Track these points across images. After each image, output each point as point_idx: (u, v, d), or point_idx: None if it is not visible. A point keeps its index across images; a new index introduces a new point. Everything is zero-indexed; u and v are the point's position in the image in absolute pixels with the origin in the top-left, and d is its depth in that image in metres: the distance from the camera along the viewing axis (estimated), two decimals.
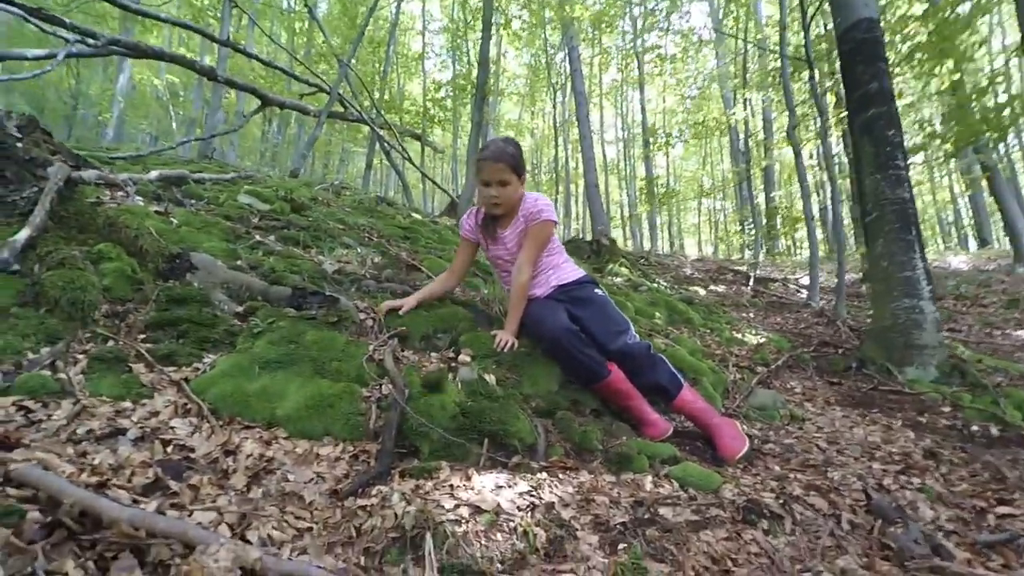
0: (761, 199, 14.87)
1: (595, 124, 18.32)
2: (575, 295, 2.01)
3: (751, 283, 7.38)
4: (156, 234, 2.03)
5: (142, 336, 1.60)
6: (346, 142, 19.79)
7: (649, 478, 1.44)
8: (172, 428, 1.16)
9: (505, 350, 1.85)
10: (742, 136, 13.13)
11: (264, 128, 19.16)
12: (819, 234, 17.35)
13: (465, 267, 2.23)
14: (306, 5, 10.83)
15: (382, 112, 8.87)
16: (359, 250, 2.84)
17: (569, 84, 15.23)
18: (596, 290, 2.07)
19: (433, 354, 1.91)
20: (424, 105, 11.31)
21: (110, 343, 1.49)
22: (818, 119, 5.60)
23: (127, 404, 1.23)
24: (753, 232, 13.54)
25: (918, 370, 2.76)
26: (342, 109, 8.15)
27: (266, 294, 1.93)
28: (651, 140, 12.42)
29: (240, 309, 1.83)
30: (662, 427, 1.79)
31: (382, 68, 9.79)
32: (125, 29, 10.75)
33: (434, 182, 7.79)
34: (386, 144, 8.11)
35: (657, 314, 3.68)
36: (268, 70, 11.06)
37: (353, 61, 9.23)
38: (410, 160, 7.68)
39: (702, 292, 6.55)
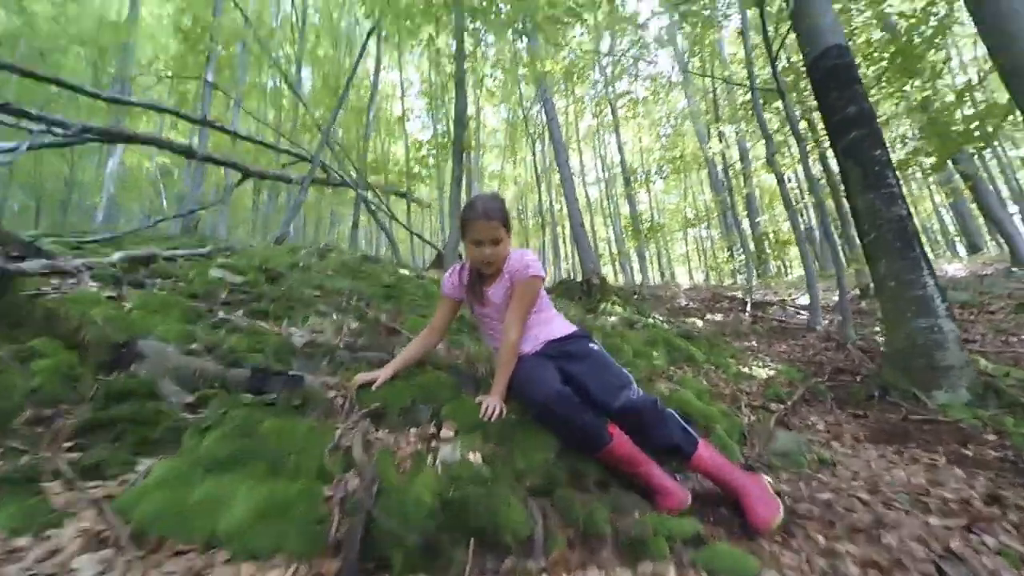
0: (746, 224, 14.99)
1: (575, 167, 18.72)
2: (567, 350, 1.82)
3: (748, 309, 7.21)
4: (102, 323, 1.84)
5: (68, 444, 1.38)
6: (335, 205, 20.04)
7: (672, 569, 1.20)
8: (72, 572, 0.93)
9: (492, 419, 1.64)
10: (720, 167, 13.37)
11: (254, 198, 19.45)
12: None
13: (446, 325, 2.05)
14: (287, 83, 11.20)
15: (364, 175, 8.94)
16: (335, 317, 2.66)
17: (547, 133, 15.67)
18: (591, 344, 1.89)
19: (412, 430, 1.69)
20: (407, 164, 11.50)
21: (25, 458, 1.27)
22: (794, 145, 5.63)
23: (23, 541, 1.00)
24: (743, 257, 13.54)
25: (948, 394, 2.55)
26: (324, 175, 8.19)
27: (223, 379, 1.73)
28: (631, 178, 12.62)
29: (191, 399, 1.63)
30: (679, 497, 1.55)
31: (364, 132, 10.00)
32: (115, 118, 11.00)
33: (420, 236, 7.74)
34: (371, 204, 8.12)
35: (655, 353, 3.47)
36: (257, 145, 11.30)
37: (336, 128, 9.40)
38: (395, 218, 7.66)
39: (699, 323, 6.36)
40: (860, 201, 2.98)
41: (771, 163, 4.93)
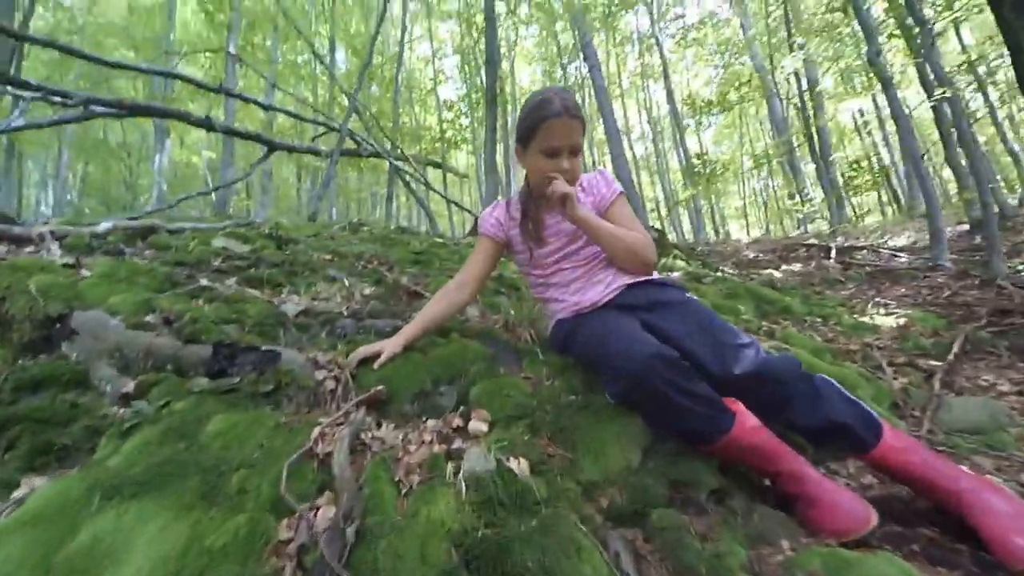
0: (811, 169, 13.46)
1: (619, 122, 17.57)
2: (656, 298, 1.26)
3: (833, 255, 6.26)
4: (36, 293, 1.44)
5: None
6: (373, 185, 19.95)
7: None
8: None
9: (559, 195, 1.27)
10: (784, 100, 11.94)
11: (297, 185, 19.64)
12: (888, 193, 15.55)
13: (482, 277, 1.53)
14: (315, 55, 10.83)
15: (397, 144, 8.49)
16: (346, 282, 2.18)
17: (587, 85, 14.58)
18: (687, 294, 1.32)
19: (430, 423, 1.18)
20: (441, 129, 10.91)
21: None
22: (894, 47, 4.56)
23: None
24: (812, 203, 12.19)
25: None
26: (355, 146, 7.81)
27: (177, 358, 1.28)
28: (682, 122, 11.41)
29: (130, 387, 1.18)
30: (855, 513, 0.96)
31: (393, 98, 9.51)
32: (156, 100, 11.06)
33: (456, 203, 7.23)
34: (404, 175, 7.67)
35: (741, 307, 2.80)
36: (293, 121, 11.06)
37: (366, 100, 8.96)
38: (429, 186, 7.18)
39: (777, 275, 5.54)
40: None
41: (874, 64, 3.96)
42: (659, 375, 1.00)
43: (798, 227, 14.71)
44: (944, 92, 3.56)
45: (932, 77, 4.60)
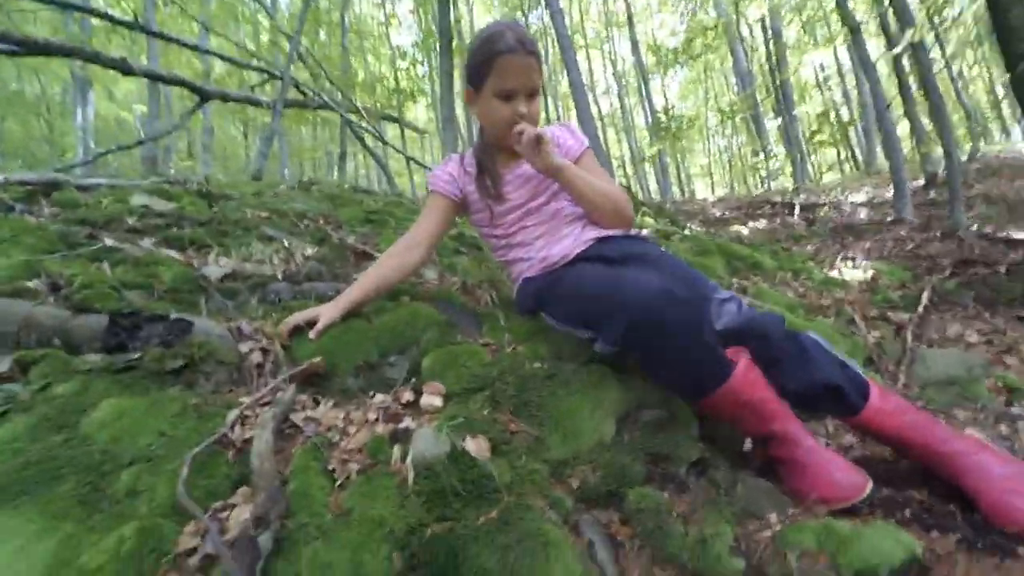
0: (774, 125, 13.54)
1: (584, 76, 17.11)
2: (628, 251, 1.14)
3: (797, 212, 6.33)
4: None
5: None
6: (329, 144, 18.93)
7: None
8: None
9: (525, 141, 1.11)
10: (748, 53, 11.82)
11: (245, 143, 18.34)
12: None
13: (435, 237, 1.34)
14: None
15: (348, 95, 7.92)
16: (285, 242, 1.96)
17: (550, 38, 13.97)
18: (656, 246, 1.20)
19: (379, 398, 1.03)
20: (395, 79, 10.24)
21: None
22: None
23: None
24: (775, 160, 12.32)
25: None
26: (301, 96, 7.23)
27: (65, 331, 1.06)
28: (654, 60, 11.08)
29: (5, 366, 0.97)
30: (852, 481, 0.87)
31: (341, 42, 8.79)
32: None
33: (412, 158, 6.86)
34: (359, 130, 7.18)
35: (713, 264, 2.73)
36: (233, 72, 10.13)
37: (307, 43, 8.28)
38: (383, 140, 6.76)
39: (744, 231, 5.57)
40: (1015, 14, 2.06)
41: (842, 7, 3.82)
42: (669, 314, 0.88)
43: (762, 185, 14.94)
44: (915, 35, 3.49)
45: (895, 27, 4.55)
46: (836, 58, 14.86)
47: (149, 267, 1.42)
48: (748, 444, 1.15)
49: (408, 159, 7.25)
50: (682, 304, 0.90)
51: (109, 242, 1.56)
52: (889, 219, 4.36)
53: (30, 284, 1.17)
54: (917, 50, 3.82)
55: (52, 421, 0.81)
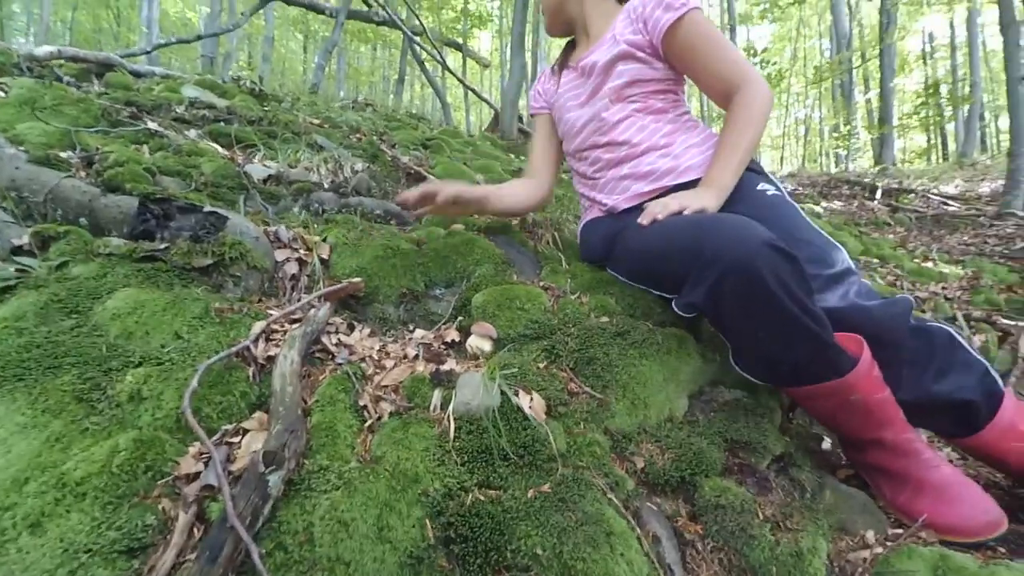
0: (862, 100, 12.28)
1: None
2: (729, 196, 0.91)
3: (878, 196, 5.75)
4: None
5: None
6: (386, 69, 18.50)
7: None
8: None
9: (664, 212, 0.86)
10: (851, 10, 10.56)
11: (303, 59, 18.11)
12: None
13: (551, 162, 1.22)
14: None
15: (415, 11, 7.51)
16: (335, 153, 1.82)
17: None
18: (766, 183, 0.97)
19: (418, 333, 0.91)
20: (464, 2, 9.60)
21: None
22: None
23: None
24: (859, 135, 11.28)
25: None
26: (365, 7, 6.92)
27: (92, 210, 0.97)
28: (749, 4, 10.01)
29: (24, 239, 0.89)
30: (987, 515, 0.71)
31: None
32: None
33: (473, 90, 6.52)
34: (418, 51, 6.84)
35: None
36: None
37: None
38: (445, 66, 6.43)
39: (818, 210, 5.12)
40: None
41: None
42: (773, 270, 0.68)
43: (837, 164, 13.79)
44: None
45: None
46: (952, 27, 13.10)
47: (190, 157, 1.32)
48: (827, 443, 0.99)
49: (468, 89, 6.91)
50: (790, 264, 0.70)
51: (152, 126, 1.46)
52: (989, 213, 3.86)
53: (63, 155, 1.08)
54: None
55: (63, 303, 0.73)
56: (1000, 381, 0.83)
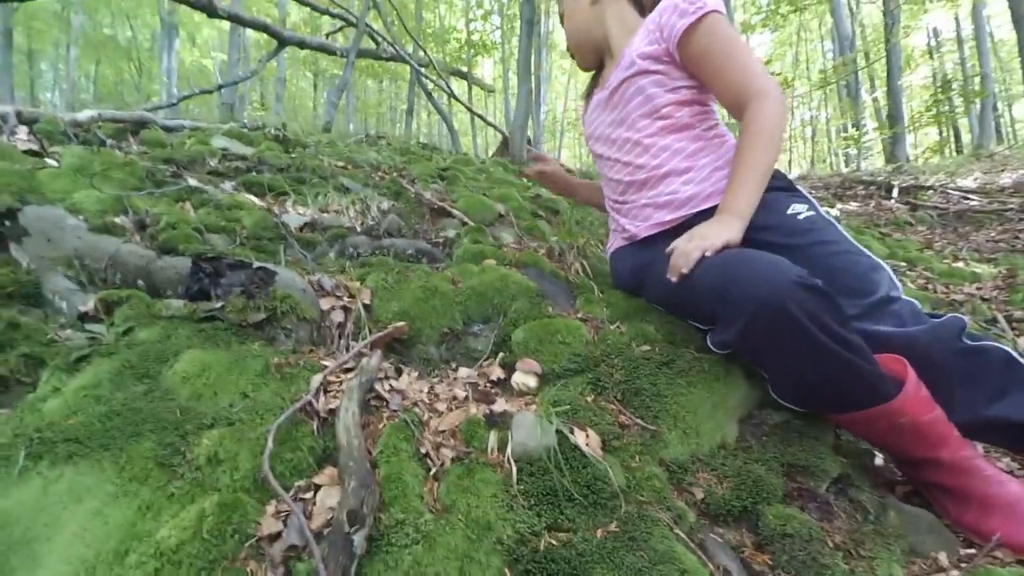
0: (869, 99, 12.19)
1: None
2: (758, 222, 0.91)
3: (895, 195, 5.68)
4: None
5: None
6: (394, 99, 18.99)
7: None
8: None
9: (687, 264, 0.82)
10: (852, 12, 10.57)
11: (313, 95, 18.69)
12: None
13: None
14: None
15: (421, 44, 7.74)
16: (361, 194, 1.88)
17: None
18: (799, 204, 0.97)
19: (462, 372, 0.93)
20: (467, 32, 9.88)
21: None
22: None
23: None
24: (870, 134, 11.18)
25: None
26: (373, 45, 7.15)
27: (148, 272, 1.03)
28: (748, 13, 10.05)
29: (90, 306, 0.94)
30: None
31: None
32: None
33: (482, 118, 6.65)
34: (426, 81, 7.03)
35: None
36: (308, 20, 10.19)
37: None
38: (451, 94, 6.58)
39: (835, 213, 5.05)
40: None
41: None
42: (803, 309, 0.68)
43: (847, 164, 13.65)
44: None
45: None
46: (957, 21, 13.03)
47: (231, 210, 1.38)
48: (879, 458, 0.97)
49: (474, 115, 7.05)
50: (823, 297, 0.70)
51: (193, 182, 1.53)
52: (1015, 206, 3.79)
53: (118, 220, 1.15)
54: None
55: (135, 369, 0.76)
56: None
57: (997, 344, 0.83)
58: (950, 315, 0.84)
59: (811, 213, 0.94)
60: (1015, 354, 0.83)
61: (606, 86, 1.07)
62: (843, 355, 0.69)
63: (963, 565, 0.70)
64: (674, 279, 0.84)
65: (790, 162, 22.29)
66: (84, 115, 2.08)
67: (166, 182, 1.49)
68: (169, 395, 0.72)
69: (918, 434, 0.76)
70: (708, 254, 0.80)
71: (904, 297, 0.86)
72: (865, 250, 0.92)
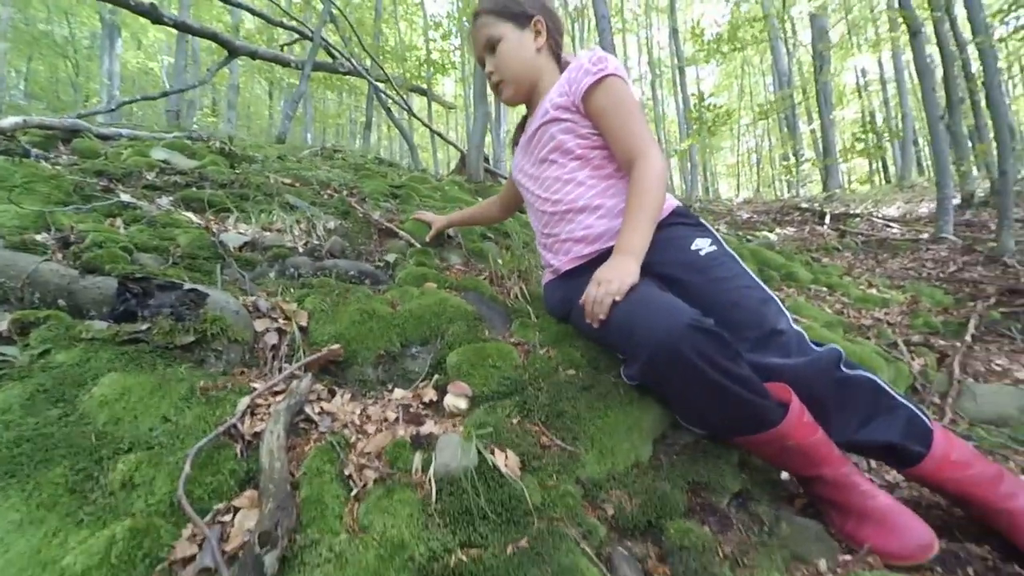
0: (806, 129, 13.12)
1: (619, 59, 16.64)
2: (665, 258, 0.99)
3: (827, 221, 6.13)
4: None
5: None
6: (354, 111, 18.81)
7: None
8: None
9: (602, 311, 0.87)
10: (790, 52, 11.41)
11: (269, 105, 18.23)
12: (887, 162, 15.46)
13: (513, 200, 1.51)
14: None
15: (378, 61, 7.75)
16: (307, 213, 1.88)
17: (587, 14, 13.58)
18: (702, 239, 1.06)
19: (397, 393, 0.95)
20: (427, 50, 9.99)
21: None
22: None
23: None
24: (805, 162, 11.98)
25: None
26: (330, 59, 7.09)
27: (71, 293, 1.00)
28: (696, 45, 10.59)
29: (3, 326, 0.90)
30: (919, 539, 0.79)
31: (375, 6, 8.62)
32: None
33: (438, 133, 6.71)
34: (384, 97, 7.03)
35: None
36: (262, 29, 9.98)
37: (340, 4, 8.12)
38: (411, 111, 6.60)
39: (773, 237, 5.39)
40: None
41: (906, 8, 3.55)
42: (695, 350, 0.76)
43: (789, 190, 14.56)
44: (981, 40, 3.28)
45: (951, 35, 4.30)
46: (880, 65, 14.30)
47: (165, 228, 1.35)
48: (785, 474, 1.06)
49: (434, 133, 7.09)
50: (713, 338, 0.77)
51: (125, 197, 1.49)
52: (926, 237, 4.17)
53: (39, 237, 1.11)
54: (986, 52, 3.58)
55: (49, 393, 0.75)
56: (928, 419, 0.93)
57: (867, 374, 0.94)
58: (829, 347, 0.95)
59: (712, 248, 1.03)
60: (882, 383, 0.94)
61: (527, 132, 1.17)
62: (732, 388, 0.78)
63: (839, 571, 0.78)
64: (595, 325, 0.90)
65: (739, 185, 23.55)
66: (7, 121, 1.98)
67: (96, 197, 1.45)
68: (85, 420, 0.71)
69: (803, 454, 0.84)
70: (618, 299, 0.86)
71: (791, 328, 0.96)
72: (759, 283, 1.02)
